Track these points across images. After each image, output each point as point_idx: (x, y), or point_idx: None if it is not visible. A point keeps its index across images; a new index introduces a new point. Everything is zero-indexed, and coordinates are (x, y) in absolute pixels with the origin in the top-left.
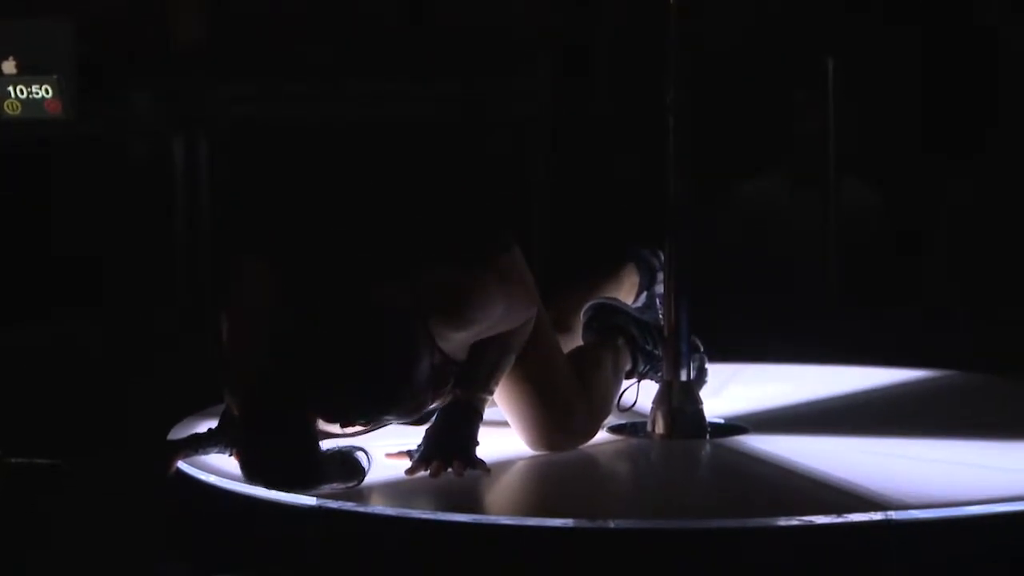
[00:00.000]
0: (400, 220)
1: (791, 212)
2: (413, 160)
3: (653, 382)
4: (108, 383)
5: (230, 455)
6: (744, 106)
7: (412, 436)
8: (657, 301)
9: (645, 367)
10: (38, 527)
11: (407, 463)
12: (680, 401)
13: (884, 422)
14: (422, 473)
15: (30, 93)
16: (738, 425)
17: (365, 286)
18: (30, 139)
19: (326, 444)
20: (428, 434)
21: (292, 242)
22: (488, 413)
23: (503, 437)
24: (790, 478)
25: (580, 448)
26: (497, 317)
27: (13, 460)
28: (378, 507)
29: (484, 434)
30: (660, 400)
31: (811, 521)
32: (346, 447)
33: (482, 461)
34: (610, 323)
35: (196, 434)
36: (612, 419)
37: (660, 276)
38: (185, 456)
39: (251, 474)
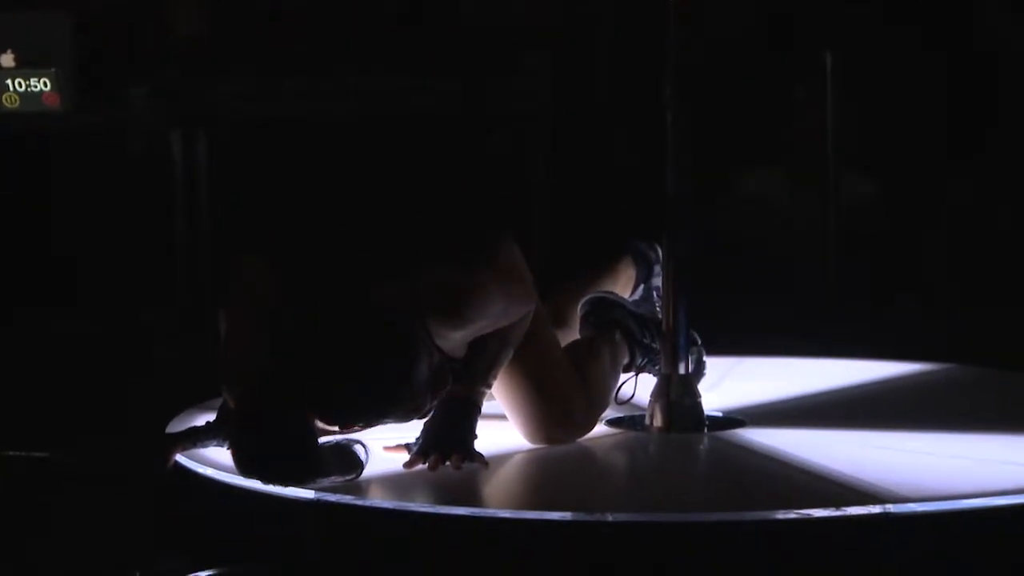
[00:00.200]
0: (399, 220)
1: (791, 211)
2: (412, 159)
3: (651, 375)
4: (105, 379)
5: (228, 449)
6: (744, 104)
7: (410, 429)
8: (654, 294)
9: (643, 360)
10: (37, 520)
11: (405, 456)
12: (678, 394)
13: (882, 416)
14: (420, 466)
15: (28, 86)
16: (736, 418)
17: (364, 286)
18: (29, 132)
19: (324, 437)
20: (426, 427)
21: (292, 242)
22: (486, 407)
23: (501, 430)
24: (788, 471)
25: (578, 441)
26: (496, 315)
27: (10, 453)
28: (376, 500)
29: (482, 427)
30: (658, 393)
31: (809, 514)
32: (344, 440)
33: (480, 454)
34: (607, 317)
35: (194, 427)
36: (610, 412)
37: (657, 269)
38: (183, 449)
39: (247, 471)
